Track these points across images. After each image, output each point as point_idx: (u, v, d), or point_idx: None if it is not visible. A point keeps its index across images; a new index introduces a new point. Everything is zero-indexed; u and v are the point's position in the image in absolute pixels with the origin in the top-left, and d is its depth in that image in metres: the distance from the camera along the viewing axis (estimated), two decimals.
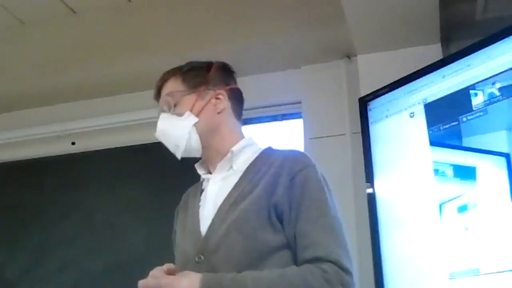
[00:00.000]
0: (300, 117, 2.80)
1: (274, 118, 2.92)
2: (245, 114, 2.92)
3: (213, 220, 1.19)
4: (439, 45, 2.22)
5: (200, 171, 1.35)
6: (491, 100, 1.68)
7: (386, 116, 2.09)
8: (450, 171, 1.77)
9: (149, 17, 2.46)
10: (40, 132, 3.22)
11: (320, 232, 1.14)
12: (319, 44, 2.62)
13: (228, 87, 1.38)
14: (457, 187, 1.74)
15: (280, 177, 1.18)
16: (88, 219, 2.89)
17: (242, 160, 1.29)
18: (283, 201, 1.16)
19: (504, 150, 1.60)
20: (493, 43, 1.70)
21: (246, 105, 3.06)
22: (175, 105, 1.30)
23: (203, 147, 1.30)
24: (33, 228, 3.04)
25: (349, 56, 2.65)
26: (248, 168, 1.26)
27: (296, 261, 1.14)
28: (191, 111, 1.29)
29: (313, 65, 2.78)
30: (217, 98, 1.33)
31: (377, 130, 2.12)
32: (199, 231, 1.20)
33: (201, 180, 1.37)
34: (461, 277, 1.65)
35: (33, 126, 3.24)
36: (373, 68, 2.32)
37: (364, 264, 2.19)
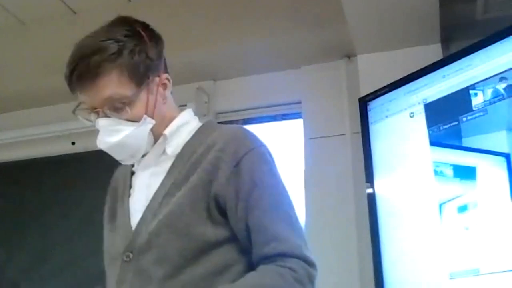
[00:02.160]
0: (300, 117, 2.80)
1: (274, 118, 2.92)
2: (245, 114, 2.95)
3: (144, 214, 1.03)
4: (439, 45, 2.22)
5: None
6: (491, 100, 1.68)
7: (386, 116, 2.09)
8: (450, 171, 1.77)
9: (149, 17, 2.45)
10: (40, 132, 3.22)
11: (279, 224, 0.99)
12: (319, 44, 2.62)
13: (164, 63, 1.13)
14: (457, 187, 1.74)
15: (221, 162, 1.01)
16: (88, 219, 2.89)
17: (177, 142, 1.09)
18: (226, 191, 0.99)
19: (504, 150, 1.60)
20: (493, 43, 1.70)
21: (246, 105, 3.09)
22: (121, 108, 1.03)
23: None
24: (33, 228, 3.04)
25: (349, 56, 2.65)
26: (182, 150, 1.07)
27: (244, 255, 1.01)
28: (146, 113, 1.05)
29: (313, 65, 2.78)
30: (163, 84, 1.10)
31: (377, 130, 2.12)
32: (130, 226, 1.04)
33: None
34: (461, 277, 1.65)
35: (33, 126, 3.24)
36: (373, 68, 2.32)
37: (364, 264, 2.20)
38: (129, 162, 1.11)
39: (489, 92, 1.69)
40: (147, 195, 1.06)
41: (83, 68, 1.02)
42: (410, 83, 1.99)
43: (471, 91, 1.75)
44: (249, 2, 2.31)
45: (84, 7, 2.39)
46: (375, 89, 2.14)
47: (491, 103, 1.67)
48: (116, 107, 1.02)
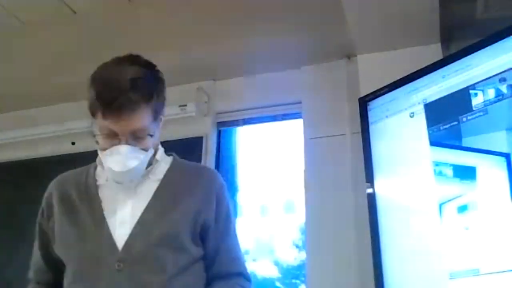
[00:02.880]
0: (300, 117, 2.80)
1: (274, 118, 2.92)
2: (245, 114, 2.96)
3: (135, 228, 1.17)
4: (439, 45, 2.23)
5: (103, 172, 1.26)
6: (491, 100, 1.68)
7: (386, 116, 2.09)
8: (450, 171, 1.77)
9: (149, 17, 2.46)
10: (40, 132, 3.22)
11: (237, 247, 1.32)
12: (319, 44, 2.62)
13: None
14: (457, 187, 1.74)
15: (207, 197, 1.26)
16: None
17: (159, 170, 1.28)
18: (210, 218, 1.24)
19: (504, 150, 1.60)
20: (493, 43, 1.70)
21: (246, 105, 3.09)
22: (141, 138, 1.18)
23: None
24: (33, 228, 3.03)
25: (349, 56, 2.66)
26: (165, 178, 1.26)
27: (207, 269, 1.27)
28: (152, 144, 1.22)
29: (313, 65, 2.78)
30: (161, 121, 1.28)
31: (377, 130, 2.12)
32: (110, 236, 1.16)
33: (95, 178, 1.29)
34: (461, 277, 1.65)
35: (33, 126, 3.24)
36: (373, 68, 2.33)
37: (364, 264, 2.20)
38: (127, 184, 1.22)
39: (489, 92, 1.69)
40: (134, 210, 1.19)
41: (124, 102, 1.13)
42: (410, 83, 1.99)
43: (471, 91, 1.75)
44: (249, 2, 2.31)
45: (84, 7, 2.38)
46: (375, 89, 2.14)
47: (491, 103, 1.67)
48: (139, 137, 1.17)
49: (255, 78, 2.89)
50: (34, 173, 3.22)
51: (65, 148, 3.18)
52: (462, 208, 1.70)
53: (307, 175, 2.64)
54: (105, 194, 1.24)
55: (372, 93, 2.16)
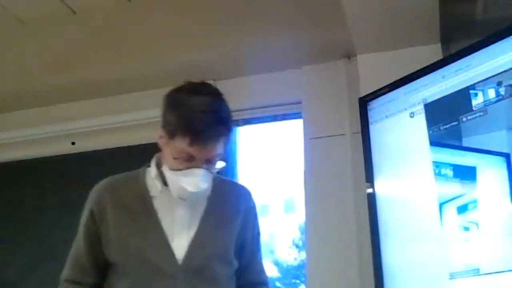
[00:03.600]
0: (300, 117, 2.80)
1: (274, 118, 2.92)
2: (245, 114, 2.96)
3: (194, 242, 1.30)
4: (439, 45, 2.22)
5: (157, 183, 1.34)
6: (491, 100, 1.68)
7: (386, 116, 2.09)
8: (450, 171, 1.77)
9: (149, 17, 2.46)
10: (40, 132, 3.22)
11: (262, 259, 1.51)
12: (319, 44, 2.62)
13: None
14: (457, 187, 1.74)
15: (242, 214, 1.41)
16: None
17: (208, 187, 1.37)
18: (247, 236, 1.42)
19: (504, 150, 1.60)
20: (493, 43, 1.70)
21: (246, 105, 3.09)
22: (214, 162, 1.29)
23: None
24: (33, 228, 3.04)
25: (349, 56, 2.65)
26: (212, 195, 1.34)
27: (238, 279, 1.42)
28: None
29: (313, 65, 2.78)
30: None
31: (377, 130, 2.12)
32: (169, 246, 1.28)
33: (148, 189, 1.35)
34: (461, 277, 1.65)
35: (33, 126, 3.24)
36: (373, 68, 2.32)
37: (364, 264, 2.20)
38: (191, 203, 1.33)
39: (489, 92, 1.68)
40: (190, 224, 1.32)
41: (213, 134, 1.23)
42: (410, 83, 1.99)
43: (471, 91, 1.75)
44: (249, 2, 2.31)
45: (84, 7, 2.38)
46: (375, 89, 2.14)
47: (491, 103, 1.67)
48: (212, 162, 1.27)
49: (255, 78, 2.89)
50: (34, 173, 3.22)
51: (65, 148, 3.18)
52: (462, 208, 1.70)
53: (307, 175, 2.64)
54: (159, 205, 1.33)
55: (372, 93, 2.16)
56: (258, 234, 1.48)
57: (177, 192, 1.27)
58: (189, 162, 1.23)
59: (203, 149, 1.22)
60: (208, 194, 1.32)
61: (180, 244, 1.28)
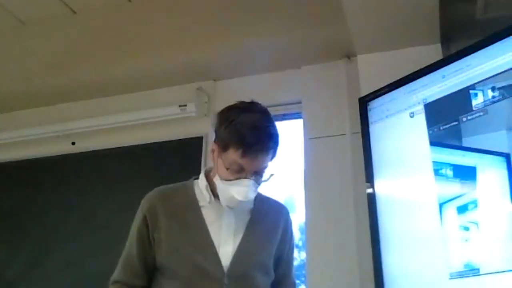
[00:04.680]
0: (300, 117, 2.80)
1: (274, 118, 2.91)
2: None
3: (238, 251, 1.39)
4: (439, 45, 2.22)
5: (206, 194, 1.44)
6: (491, 100, 1.68)
7: (386, 116, 2.09)
8: (450, 171, 1.78)
9: (149, 17, 2.46)
10: (40, 132, 3.22)
11: (294, 272, 1.59)
12: (319, 44, 2.62)
13: None
14: (457, 187, 1.74)
15: (285, 232, 1.50)
16: (88, 219, 2.90)
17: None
18: (284, 251, 1.50)
19: (504, 150, 1.60)
20: (493, 43, 1.70)
21: None
22: (261, 174, 1.37)
23: None
24: (33, 228, 3.04)
25: (349, 56, 2.66)
26: (254, 208, 1.46)
27: None
28: None
29: (313, 65, 2.78)
30: None
31: (377, 130, 2.12)
32: (216, 253, 1.37)
33: (196, 198, 1.44)
34: (461, 277, 1.65)
35: (33, 126, 3.25)
36: (373, 68, 2.32)
37: (364, 264, 2.20)
38: (236, 208, 1.40)
39: (489, 92, 1.69)
40: (235, 234, 1.41)
41: (263, 148, 1.34)
42: (410, 83, 1.99)
43: (471, 91, 1.75)
44: (249, 2, 2.31)
45: (84, 7, 2.38)
46: (375, 89, 2.14)
47: (491, 103, 1.67)
48: (260, 174, 1.37)
49: (255, 78, 2.89)
50: (34, 173, 3.22)
51: (65, 148, 3.18)
52: (462, 208, 1.70)
53: (307, 175, 2.64)
54: (208, 215, 1.42)
55: (372, 93, 2.16)
56: (293, 249, 1.57)
57: (227, 201, 1.37)
58: (239, 173, 1.33)
59: (253, 161, 1.33)
60: (252, 206, 1.43)
61: (226, 251, 1.37)
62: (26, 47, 2.72)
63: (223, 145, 1.35)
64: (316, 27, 2.47)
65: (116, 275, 1.43)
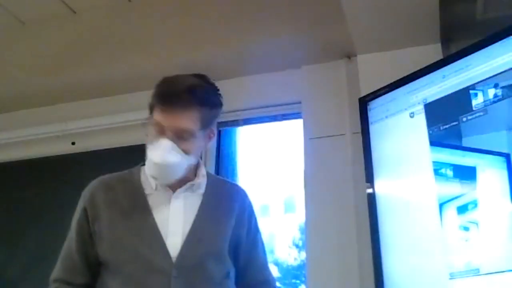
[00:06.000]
0: (300, 117, 2.80)
1: (274, 118, 2.92)
2: (245, 114, 2.96)
3: (188, 239, 1.29)
4: (439, 45, 2.22)
5: (151, 181, 1.34)
6: (491, 100, 1.68)
7: (386, 116, 2.09)
8: (450, 171, 1.78)
9: (149, 17, 2.46)
10: (40, 132, 3.22)
11: (264, 257, 1.49)
12: (319, 44, 2.62)
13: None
14: (457, 187, 1.74)
15: (235, 212, 1.40)
16: None
17: (201, 184, 1.40)
18: (242, 234, 1.40)
19: (504, 150, 1.60)
20: (493, 43, 1.70)
21: (246, 105, 3.09)
22: (184, 139, 1.26)
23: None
24: (33, 228, 3.04)
25: (349, 56, 2.66)
26: (206, 193, 1.38)
27: (237, 279, 1.42)
28: (193, 152, 1.30)
29: (313, 65, 2.78)
30: (209, 137, 1.37)
31: (377, 130, 2.12)
32: (163, 243, 1.27)
33: (142, 186, 1.36)
34: (461, 277, 1.65)
35: (33, 126, 3.25)
36: (373, 68, 2.32)
37: (364, 264, 2.20)
38: (161, 183, 1.32)
39: (489, 92, 1.69)
40: (184, 222, 1.31)
41: (178, 101, 1.24)
42: (410, 83, 1.99)
43: (471, 91, 1.75)
44: (249, 2, 2.31)
45: (84, 7, 2.38)
46: (375, 89, 2.14)
47: (491, 103, 1.67)
48: (183, 138, 1.26)
49: (255, 78, 2.89)
50: (34, 173, 3.22)
51: (65, 148, 3.18)
52: (462, 208, 1.70)
53: (307, 175, 2.64)
54: (154, 203, 1.33)
55: (372, 93, 2.16)
56: (256, 232, 1.47)
57: (149, 169, 1.29)
58: (160, 134, 1.25)
59: (169, 116, 1.23)
60: (179, 175, 1.29)
61: (174, 241, 1.28)
62: (26, 47, 2.72)
63: (150, 108, 1.29)
64: (316, 27, 2.47)
65: (55, 272, 1.35)
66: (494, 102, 1.66)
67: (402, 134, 2.01)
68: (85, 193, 1.39)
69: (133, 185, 1.37)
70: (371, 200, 2.05)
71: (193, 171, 1.38)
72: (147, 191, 1.35)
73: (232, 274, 1.40)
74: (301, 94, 2.79)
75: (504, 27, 1.68)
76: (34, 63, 2.86)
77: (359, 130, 2.21)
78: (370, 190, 2.07)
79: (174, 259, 1.26)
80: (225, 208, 1.40)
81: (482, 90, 1.71)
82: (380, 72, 2.23)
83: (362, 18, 2.12)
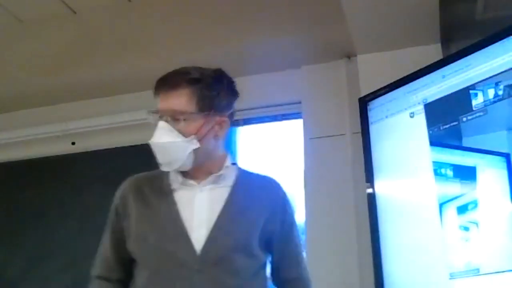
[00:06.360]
0: (300, 117, 2.80)
1: (274, 118, 2.92)
2: (245, 114, 2.96)
3: (213, 232, 1.27)
4: (439, 45, 2.22)
5: (177, 176, 1.35)
6: (491, 100, 1.68)
7: (386, 116, 2.09)
8: (450, 171, 1.77)
9: (149, 17, 2.46)
10: (40, 132, 3.22)
11: (300, 253, 1.45)
12: (319, 44, 2.62)
13: (230, 113, 1.38)
14: (457, 187, 1.74)
15: (270, 204, 1.36)
16: (88, 219, 2.89)
17: (230, 177, 1.37)
18: (275, 228, 1.35)
19: (504, 150, 1.60)
20: (493, 43, 1.70)
21: (246, 105, 3.09)
22: (179, 120, 1.27)
23: (194, 166, 1.31)
24: (33, 228, 3.04)
25: (349, 56, 2.66)
26: (235, 186, 1.36)
27: (272, 273, 1.40)
28: (195, 134, 1.28)
29: (313, 65, 2.78)
30: (220, 124, 1.34)
31: (377, 130, 2.12)
32: (188, 237, 1.26)
33: (169, 182, 1.36)
34: (461, 277, 1.65)
35: (33, 126, 3.25)
36: (373, 68, 2.32)
37: (364, 264, 2.20)
38: (166, 169, 1.31)
39: (489, 92, 1.68)
40: (209, 216, 1.29)
41: (168, 81, 1.29)
42: (410, 83, 1.99)
43: (471, 91, 1.75)
44: (250, 2, 2.31)
45: (84, 7, 2.38)
46: (375, 89, 2.14)
47: (491, 103, 1.67)
48: (175, 118, 1.26)
49: (255, 78, 2.89)
50: (34, 173, 3.22)
51: (65, 148, 3.18)
52: (462, 208, 1.70)
53: (307, 175, 2.64)
54: (180, 197, 1.33)
55: (372, 93, 2.16)
56: (291, 226, 1.41)
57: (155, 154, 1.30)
58: (159, 119, 1.28)
59: (162, 99, 1.28)
60: (180, 161, 1.28)
61: (199, 235, 1.26)
62: (26, 47, 2.72)
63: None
64: (316, 27, 2.47)
65: (94, 269, 1.39)
66: (494, 102, 1.66)
67: (402, 134, 2.01)
68: (117, 192, 1.42)
69: (161, 181, 1.37)
70: (371, 200, 2.05)
71: (220, 164, 1.37)
72: (173, 186, 1.35)
73: (266, 269, 1.37)
74: (301, 94, 2.79)
75: (504, 27, 1.67)
76: (34, 63, 2.86)
77: (359, 130, 2.21)
78: (370, 190, 2.07)
79: (198, 253, 1.24)
80: (256, 201, 1.35)
81: (482, 90, 1.71)
82: (380, 72, 2.23)
83: (362, 18, 2.12)
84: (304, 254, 1.46)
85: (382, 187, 2.05)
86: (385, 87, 2.10)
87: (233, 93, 1.38)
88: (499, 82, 1.65)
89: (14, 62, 2.87)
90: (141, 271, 1.29)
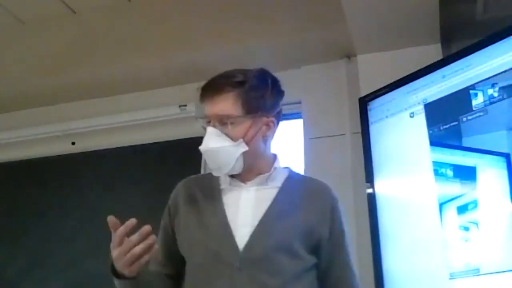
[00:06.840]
0: (300, 117, 2.80)
1: None
2: None
3: (256, 231, 1.26)
4: (439, 45, 2.22)
5: (226, 177, 1.36)
6: (491, 100, 1.68)
7: (386, 116, 2.09)
8: (450, 171, 1.78)
9: (149, 17, 2.46)
10: (40, 132, 3.22)
11: (350, 261, 1.40)
12: (319, 44, 2.62)
13: (277, 112, 1.38)
14: (457, 187, 1.74)
15: (319, 208, 1.34)
16: (88, 219, 2.89)
17: (278, 178, 1.37)
18: (324, 232, 1.31)
19: (504, 150, 1.60)
20: (493, 43, 1.70)
21: None
22: (226, 124, 1.27)
23: (243, 169, 1.31)
24: (33, 228, 3.04)
25: (349, 56, 2.65)
26: (282, 187, 1.35)
27: (320, 280, 1.33)
28: (243, 137, 1.28)
29: (313, 65, 2.78)
30: (267, 125, 1.35)
31: (377, 130, 2.12)
32: (231, 235, 1.26)
33: (219, 183, 1.37)
34: (461, 277, 1.65)
35: (33, 126, 3.24)
36: (373, 68, 2.32)
37: (364, 264, 2.20)
38: (217, 174, 1.33)
39: (489, 92, 1.69)
40: (254, 215, 1.28)
41: (210, 85, 1.29)
42: (410, 83, 1.99)
43: (471, 91, 1.75)
44: (250, 2, 2.31)
45: (84, 7, 2.38)
46: (375, 89, 2.14)
47: (491, 103, 1.67)
48: (222, 122, 1.27)
49: None
50: (34, 173, 3.22)
51: (65, 148, 3.18)
52: (462, 208, 1.70)
53: (307, 175, 2.64)
54: (228, 197, 1.33)
55: (372, 93, 2.16)
56: (341, 233, 1.37)
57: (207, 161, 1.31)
58: (207, 125, 1.29)
59: (208, 104, 1.28)
60: (236, 166, 1.29)
61: (243, 234, 1.26)
62: (26, 47, 2.72)
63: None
64: (316, 27, 2.47)
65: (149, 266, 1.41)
66: (494, 102, 1.66)
67: (402, 134, 2.01)
68: (172, 193, 1.44)
69: (211, 181, 1.39)
70: (371, 200, 2.05)
71: (269, 165, 1.37)
72: (222, 186, 1.36)
73: (314, 273, 1.33)
74: (301, 94, 2.78)
75: (504, 27, 1.68)
76: (34, 63, 2.86)
77: (359, 130, 2.21)
78: (370, 190, 2.07)
79: (241, 251, 1.24)
80: (303, 204, 1.34)
81: (482, 90, 1.71)
82: (380, 72, 2.23)
83: (362, 18, 2.12)
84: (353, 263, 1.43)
85: (382, 187, 2.05)
86: (385, 87, 2.10)
87: (278, 92, 1.38)
88: (499, 82, 1.65)
89: (14, 62, 2.88)
90: (188, 269, 1.32)
